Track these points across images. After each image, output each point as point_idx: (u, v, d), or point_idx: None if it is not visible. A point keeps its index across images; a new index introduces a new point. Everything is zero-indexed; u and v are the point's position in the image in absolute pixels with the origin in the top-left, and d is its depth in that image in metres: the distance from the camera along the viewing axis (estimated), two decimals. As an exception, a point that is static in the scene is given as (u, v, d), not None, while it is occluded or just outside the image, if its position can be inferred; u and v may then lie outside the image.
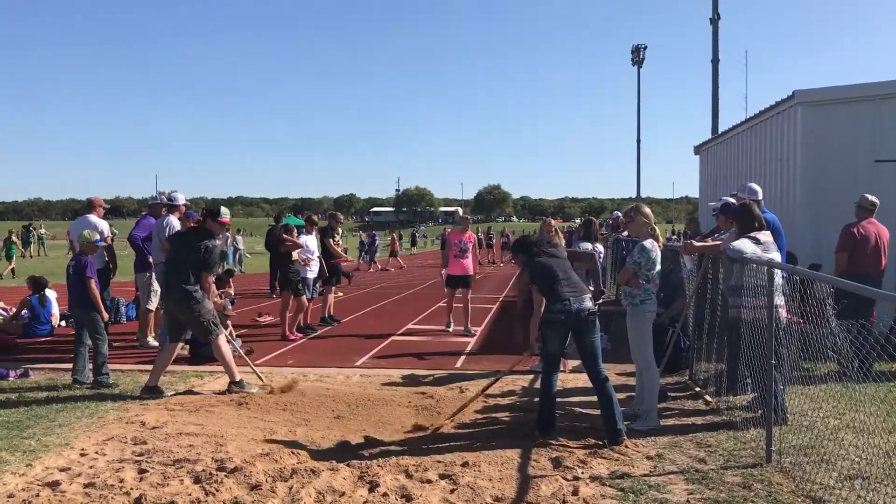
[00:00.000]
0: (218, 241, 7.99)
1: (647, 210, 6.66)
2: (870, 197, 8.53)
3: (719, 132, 18.03)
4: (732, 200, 7.78)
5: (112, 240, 10.37)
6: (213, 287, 7.98)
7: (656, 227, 6.68)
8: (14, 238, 29.78)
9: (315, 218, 12.70)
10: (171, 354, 7.85)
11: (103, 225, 10.02)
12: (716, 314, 7.31)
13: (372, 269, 30.90)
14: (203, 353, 9.41)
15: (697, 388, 7.64)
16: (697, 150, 17.88)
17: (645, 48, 51.76)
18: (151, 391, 7.54)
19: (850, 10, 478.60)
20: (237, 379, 7.72)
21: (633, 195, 46.98)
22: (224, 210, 8.08)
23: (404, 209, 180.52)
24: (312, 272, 11.78)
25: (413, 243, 46.76)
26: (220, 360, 7.77)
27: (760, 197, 7.76)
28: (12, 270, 25.58)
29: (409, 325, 12.87)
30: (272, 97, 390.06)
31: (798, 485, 4.86)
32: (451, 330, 11.87)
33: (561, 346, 6.08)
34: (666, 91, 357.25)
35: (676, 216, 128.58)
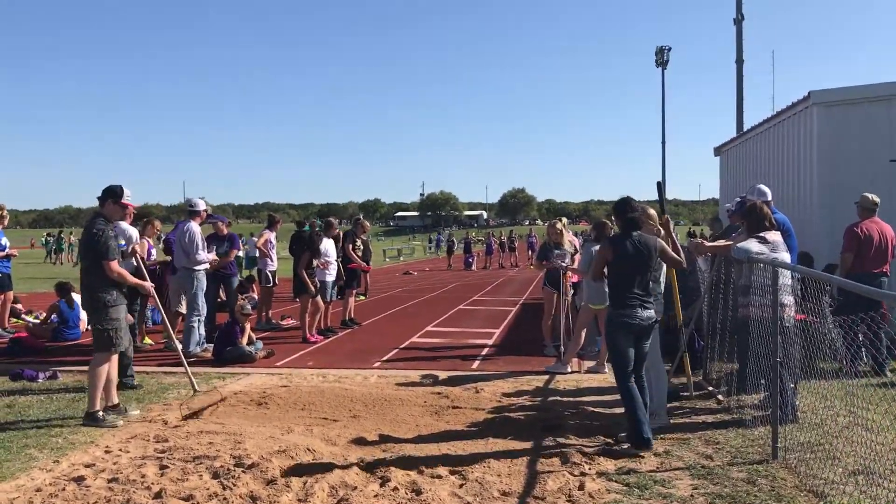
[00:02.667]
0: (123, 228, 6.87)
1: (652, 211, 6.76)
2: (870, 196, 8.60)
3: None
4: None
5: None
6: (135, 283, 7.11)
7: (661, 228, 6.77)
8: (70, 238, 31.02)
9: (334, 222, 12.87)
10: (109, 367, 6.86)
11: (132, 231, 9.80)
12: (727, 314, 7.38)
13: None
14: (226, 355, 9.64)
15: (710, 388, 7.71)
16: (717, 151, 17.85)
17: (669, 49, 51.27)
18: (91, 417, 6.60)
19: (879, 9, 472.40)
20: (94, 409, 6.62)
21: (657, 197, 46.56)
22: (127, 191, 6.99)
23: (429, 213, 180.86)
24: (331, 275, 11.95)
25: (450, 251, 40.54)
26: (89, 382, 6.70)
27: (769, 198, 7.82)
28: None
29: (429, 328, 13.03)
30: (299, 104, 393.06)
31: (802, 480, 4.95)
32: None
33: (629, 350, 5.82)
34: (691, 92, 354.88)
35: (703, 218, 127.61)
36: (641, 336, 5.86)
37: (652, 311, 5.87)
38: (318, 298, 11.63)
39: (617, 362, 5.89)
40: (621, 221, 6.01)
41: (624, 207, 6.01)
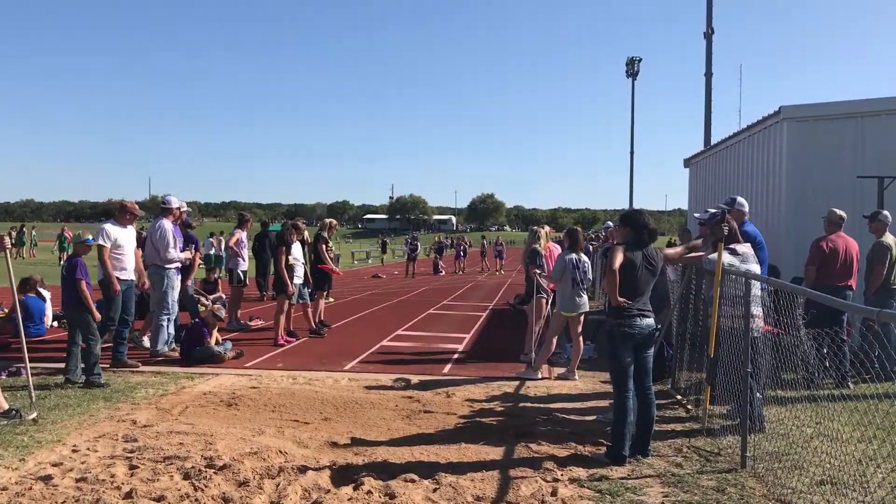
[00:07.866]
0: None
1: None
2: (838, 211, 8.78)
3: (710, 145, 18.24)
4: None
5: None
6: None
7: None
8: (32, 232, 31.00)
9: (301, 225, 12.71)
10: None
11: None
12: (697, 324, 7.47)
13: None
14: (194, 355, 9.55)
15: (679, 396, 7.80)
16: (687, 162, 18.09)
17: (640, 60, 51.82)
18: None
19: (844, 26, 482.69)
20: (5, 408, 6.56)
21: (626, 206, 47.06)
22: None
23: (398, 216, 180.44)
24: (299, 278, 11.83)
25: (411, 258, 34.94)
26: None
27: (747, 210, 7.93)
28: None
29: (399, 332, 13.00)
30: (267, 102, 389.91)
31: (770, 489, 5.03)
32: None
33: (629, 361, 5.74)
34: (660, 104, 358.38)
35: (669, 228, 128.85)
36: (642, 345, 5.82)
37: (651, 318, 5.84)
38: (287, 300, 11.54)
39: (616, 373, 5.80)
40: (632, 233, 5.93)
41: (635, 219, 5.98)
